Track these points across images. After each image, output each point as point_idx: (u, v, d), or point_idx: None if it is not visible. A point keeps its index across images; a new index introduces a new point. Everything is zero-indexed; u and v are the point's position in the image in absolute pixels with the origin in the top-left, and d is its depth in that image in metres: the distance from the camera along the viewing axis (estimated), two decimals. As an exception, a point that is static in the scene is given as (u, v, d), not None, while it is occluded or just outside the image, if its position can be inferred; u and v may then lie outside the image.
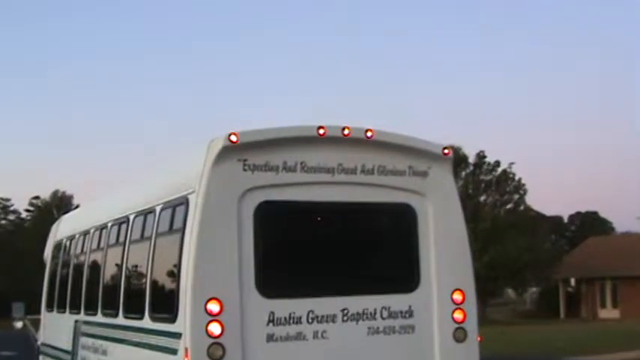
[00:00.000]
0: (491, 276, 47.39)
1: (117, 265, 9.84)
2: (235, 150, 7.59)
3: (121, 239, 9.87)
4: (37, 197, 74.24)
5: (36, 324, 14.71)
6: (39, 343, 14.40)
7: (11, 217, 75.39)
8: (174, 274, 7.76)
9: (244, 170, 7.66)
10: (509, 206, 54.33)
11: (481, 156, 53.20)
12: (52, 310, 13.68)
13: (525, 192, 53.64)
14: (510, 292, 69.38)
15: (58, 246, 13.90)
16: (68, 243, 13.15)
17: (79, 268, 11.97)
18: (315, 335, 7.72)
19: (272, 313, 7.59)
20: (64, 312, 12.57)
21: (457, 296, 8.35)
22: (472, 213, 45.03)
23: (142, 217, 9.22)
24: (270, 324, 7.57)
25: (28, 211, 75.00)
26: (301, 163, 7.92)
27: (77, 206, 48.03)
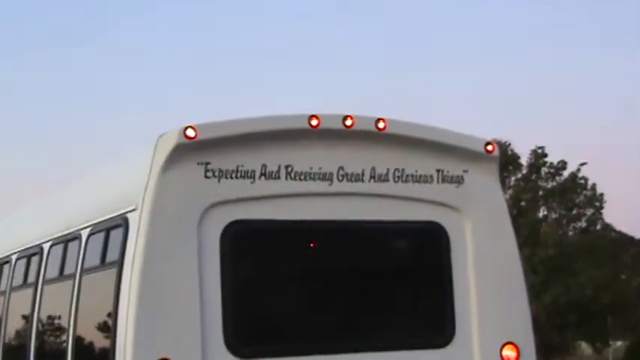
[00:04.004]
0: (557, 324, 47.45)
1: (24, 316, 9.92)
2: (194, 149, 7.69)
3: (31, 279, 9.94)
4: None
5: None
6: None
7: None
8: (109, 328, 7.84)
9: (207, 177, 7.77)
10: (580, 224, 54.45)
11: (540, 154, 53.13)
12: None
13: (604, 205, 53.79)
14: (585, 346, 69.53)
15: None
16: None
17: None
18: None
19: None
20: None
21: (509, 352, 8.46)
22: (528, 234, 45.10)
23: (61, 247, 9.31)
24: None
25: None
26: (287, 167, 8.03)
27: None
